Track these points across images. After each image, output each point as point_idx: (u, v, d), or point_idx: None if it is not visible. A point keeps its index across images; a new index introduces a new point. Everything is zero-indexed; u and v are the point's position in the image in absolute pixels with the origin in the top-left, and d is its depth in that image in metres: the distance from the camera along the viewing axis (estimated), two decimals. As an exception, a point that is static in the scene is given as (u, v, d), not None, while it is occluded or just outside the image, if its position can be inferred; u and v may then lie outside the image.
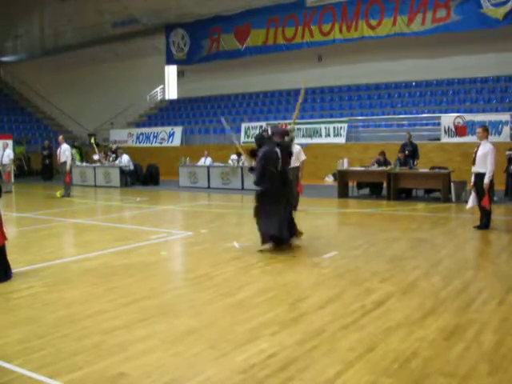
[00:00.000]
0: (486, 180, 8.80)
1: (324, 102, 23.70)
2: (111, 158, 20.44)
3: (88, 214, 12.20)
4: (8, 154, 18.17)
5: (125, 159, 19.64)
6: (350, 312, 4.88)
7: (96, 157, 20.77)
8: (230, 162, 17.87)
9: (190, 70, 28.23)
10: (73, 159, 19.14)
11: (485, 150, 8.91)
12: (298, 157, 11.30)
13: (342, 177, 14.71)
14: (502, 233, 9.30)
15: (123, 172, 19.36)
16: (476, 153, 9.03)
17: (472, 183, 9.22)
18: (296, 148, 11.02)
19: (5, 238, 6.21)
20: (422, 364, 3.75)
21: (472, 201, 9.25)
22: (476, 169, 9.02)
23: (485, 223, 9.09)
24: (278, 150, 7.56)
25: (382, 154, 14.57)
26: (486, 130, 9.19)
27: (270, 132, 9.53)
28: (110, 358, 3.94)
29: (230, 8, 24.84)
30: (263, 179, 7.54)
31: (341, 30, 22.43)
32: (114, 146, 22.19)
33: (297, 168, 11.25)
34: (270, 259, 7.12)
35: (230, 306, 5.17)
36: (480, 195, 8.93)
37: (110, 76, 29.48)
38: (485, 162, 8.85)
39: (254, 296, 5.45)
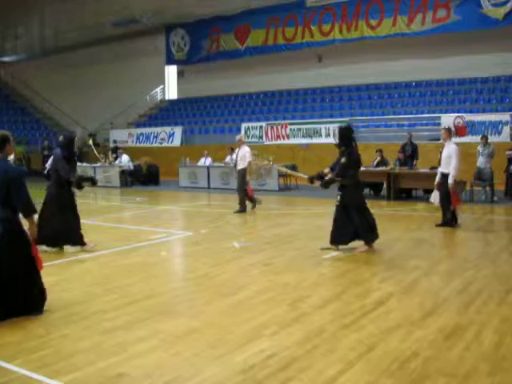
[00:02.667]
0: (450, 180, 8.91)
1: (324, 102, 23.70)
2: (111, 158, 20.43)
3: (88, 214, 12.17)
4: None
5: (124, 159, 19.63)
6: (350, 312, 4.88)
7: (102, 159, 20.56)
8: (226, 161, 17.90)
9: (189, 70, 28.22)
10: None
11: (449, 150, 9.02)
12: (244, 158, 11.62)
13: (342, 177, 14.67)
14: (501, 233, 9.31)
15: (123, 172, 19.35)
16: (441, 153, 9.19)
17: (436, 182, 9.33)
18: (244, 150, 11.58)
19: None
20: (422, 364, 3.75)
21: (434, 197, 9.40)
22: (441, 169, 9.15)
23: (449, 219, 9.21)
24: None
25: (380, 152, 14.58)
26: (449, 130, 9.33)
27: None
28: (110, 358, 3.93)
29: (229, 8, 24.83)
30: None
31: (341, 30, 22.43)
32: (113, 145, 22.08)
33: (244, 169, 11.61)
34: (270, 259, 7.12)
35: (229, 306, 5.17)
36: (447, 195, 9.04)
37: (110, 76, 29.48)
38: (449, 162, 8.96)
39: (253, 296, 5.45)
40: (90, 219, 11.28)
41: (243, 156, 11.62)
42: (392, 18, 21.10)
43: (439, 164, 9.22)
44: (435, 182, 9.37)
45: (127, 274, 6.45)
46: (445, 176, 9.03)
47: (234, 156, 12.25)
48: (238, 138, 12.04)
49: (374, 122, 20.48)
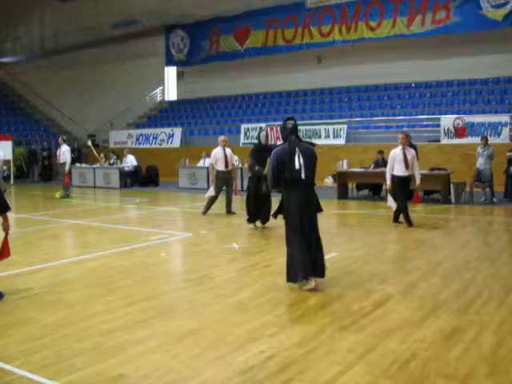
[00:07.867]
0: (418, 181, 9.57)
1: (323, 103, 23.72)
2: (112, 160, 20.43)
3: (88, 215, 12.19)
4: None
5: (130, 159, 19.66)
6: (349, 313, 4.88)
7: (101, 159, 20.53)
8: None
9: (189, 71, 28.25)
10: None
11: (412, 154, 9.58)
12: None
13: (341, 178, 14.72)
14: (501, 234, 9.32)
15: (123, 173, 19.36)
16: (405, 158, 9.48)
17: (390, 186, 9.68)
18: (228, 151, 11.61)
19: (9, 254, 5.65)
20: (421, 365, 3.75)
21: (392, 201, 9.78)
22: (409, 172, 9.53)
23: (398, 216, 9.90)
24: None
25: (381, 153, 14.57)
26: (408, 135, 9.85)
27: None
28: (110, 360, 3.93)
29: (229, 9, 24.88)
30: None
31: (340, 32, 22.46)
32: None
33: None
34: (270, 260, 7.12)
35: (229, 307, 5.17)
36: (407, 195, 9.79)
37: (109, 77, 29.51)
38: (413, 165, 9.54)
39: (253, 297, 5.45)
40: (89, 220, 11.29)
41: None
42: (392, 19, 21.14)
43: (407, 168, 9.49)
44: (389, 186, 9.72)
45: (127, 275, 6.44)
46: (408, 178, 9.53)
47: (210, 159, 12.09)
48: (224, 138, 11.95)
49: (374, 123, 20.50)
